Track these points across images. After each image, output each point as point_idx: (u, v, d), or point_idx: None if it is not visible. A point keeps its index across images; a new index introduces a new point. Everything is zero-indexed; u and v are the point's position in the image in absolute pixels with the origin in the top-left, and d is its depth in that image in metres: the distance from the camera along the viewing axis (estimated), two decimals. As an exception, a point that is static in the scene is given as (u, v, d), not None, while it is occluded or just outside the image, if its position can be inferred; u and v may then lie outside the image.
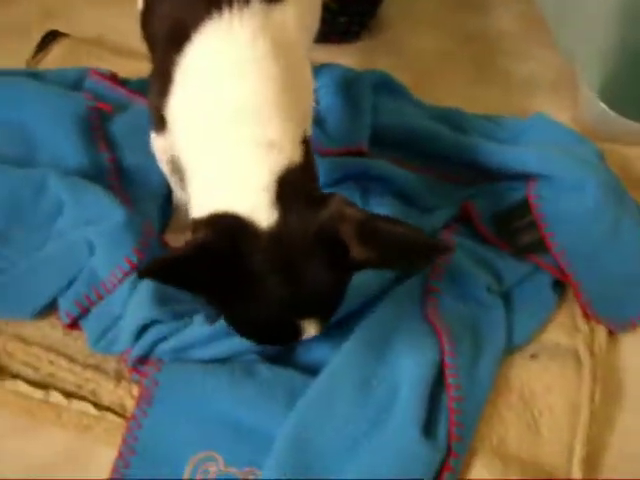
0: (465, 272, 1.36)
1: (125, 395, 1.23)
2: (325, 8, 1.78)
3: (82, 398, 1.23)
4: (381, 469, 1.11)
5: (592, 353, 1.31)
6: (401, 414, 1.14)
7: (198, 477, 1.14)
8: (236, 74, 1.05)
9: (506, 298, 1.37)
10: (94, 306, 1.29)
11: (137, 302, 1.24)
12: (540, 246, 1.41)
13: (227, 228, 0.98)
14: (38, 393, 1.23)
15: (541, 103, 1.74)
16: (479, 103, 1.74)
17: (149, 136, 1.28)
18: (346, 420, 1.15)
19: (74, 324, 1.30)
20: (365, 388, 1.18)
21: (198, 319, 1.23)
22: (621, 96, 1.65)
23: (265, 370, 1.20)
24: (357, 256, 0.97)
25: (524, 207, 1.46)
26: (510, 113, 1.70)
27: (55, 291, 1.31)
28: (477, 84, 1.82)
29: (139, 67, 1.63)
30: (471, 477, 1.15)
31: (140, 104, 1.52)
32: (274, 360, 1.23)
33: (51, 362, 1.26)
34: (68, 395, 1.23)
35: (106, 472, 1.16)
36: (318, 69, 1.64)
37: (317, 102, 1.58)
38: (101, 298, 1.29)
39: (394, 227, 0.97)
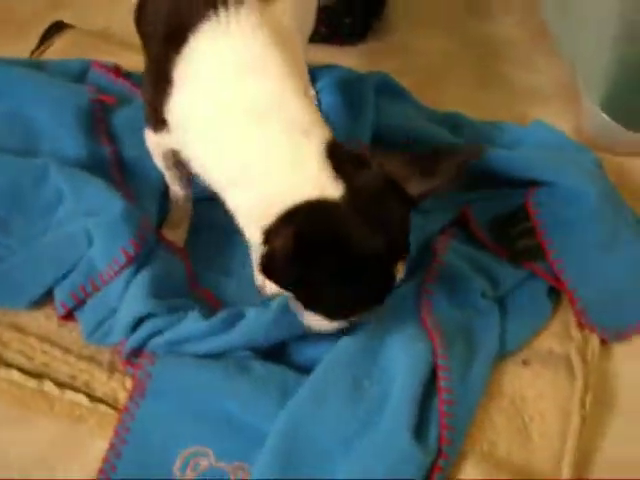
0: (460, 276, 1.36)
1: (118, 387, 1.23)
2: (330, 9, 1.80)
3: (75, 389, 1.23)
4: (372, 469, 1.11)
5: (584, 360, 1.31)
6: (392, 415, 1.15)
7: (188, 470, 1.14)
8: (247, 72, 1.06)
9: (501, 304, 1.37)
10: (90, 297, 1.29)
11: (133, 295, 1.25)
12: (537, 253, 1.42)
13: (312, 214, 1.05)
14: (32, 382, 1.24)
15: (543, 112, 1.74)
16: (481, 108, 1.74)
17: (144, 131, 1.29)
18: (337, 419, 1.15)
19: (69, 315, 1.30)
20: (357, 388, 1.18)
21: (193, 314, 1.23)
22: (622, 107, 1.65)
23: (259, 366, 1.20)
24: (414, 192, 1.08)
25: (523, 213, 1.46)
26: (511, 120, 1.71)
27: (51, 281, 1.31)
28: (480, 90, 1.83)
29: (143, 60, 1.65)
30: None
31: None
32: (268, 357, 1.23)
33: (45, 352, 1.27)
34: (61, 386, 1.23)
35: (98, 463, 1.16)
36: (320, 70, 1.65)
37: (319, 102, 1.58)
38: (97, 289, 1.29)
39: (427, 156, 1.13)
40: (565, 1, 1.74)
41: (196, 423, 1.17)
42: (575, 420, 1.24)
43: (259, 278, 1.33)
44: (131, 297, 1.25)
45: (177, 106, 1.12)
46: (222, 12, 1.06)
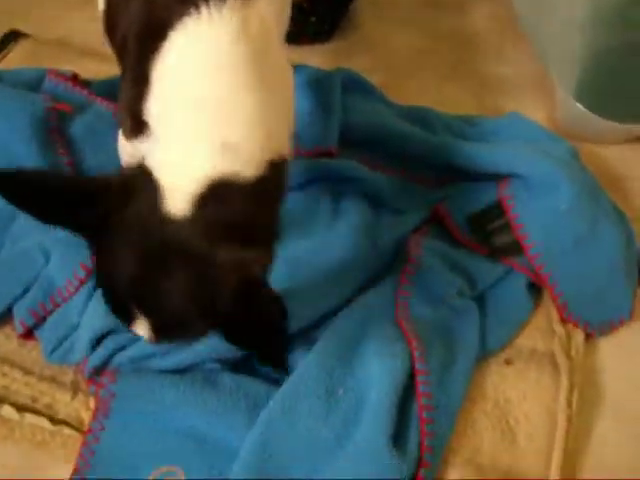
0: (436, 276, 1.32)
1: (82, 408, 1.18)
2: (296, 8, 1.75)
3: (37, 412, 1.18)
4: (348, 483, 1.06)
5: (569, 357, 1.27)
6: (369, 424, 1.09)
7: (158, 492, 1.09)
8: (210, 72, 0.99)
9: (479, 302, 1.33)
10: (50, 315, 1.24)
11: (94, 310, 1.19)
12: (515, 248, 1.37)
13: (138, 181, 0.92)
14: (-11, 407, 1.18)
15: (516, 103, 1.71)
16: (453, 103, 1.71)
17: (116, 140, 1.22)
18: (311, 432, 1.09)
19: (29, 334, 1.25)
20: (331, 398, 1.12)
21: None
22: (595, 95, 1.61)
23: (227, 379, 1.15)
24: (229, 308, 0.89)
25: (499, 208, 1.42)
26: (484, 113, 1.67)
27: (9, 299, 1.26)
28: (451, 84, 1.79)
29: (103, 69, 1.60)
30: (445, 487, 1.11)
31: (101, 105, 1.49)
32: (237, 369, 1.18)
33: (4, 374, 1.21)
34: (22, 409, 1.18)
35: (62, 489, 1.10)
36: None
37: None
38: (57, 306, 1.24)
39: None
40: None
41: (164, 442, 1.11)
42: (562, 420, 1.19)
43: None
44: (92, 313, 1.20)
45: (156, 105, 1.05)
46: (203, 8, 1.01)
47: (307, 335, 1.22)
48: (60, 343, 1.21)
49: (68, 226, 0.92)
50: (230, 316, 0.90)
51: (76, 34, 1.84)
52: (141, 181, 0.92)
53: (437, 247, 1.37)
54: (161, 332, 0.93)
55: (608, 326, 1.32)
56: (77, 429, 1.16)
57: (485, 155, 1.45)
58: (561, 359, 1.26)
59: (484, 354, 1.26)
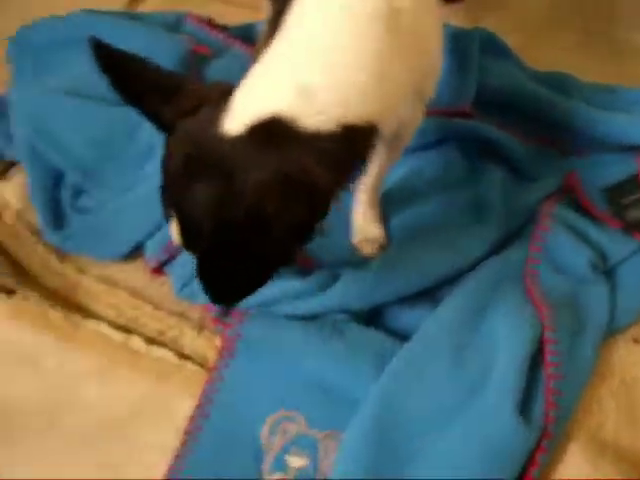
0: (567, 245, 1.28)
1: (207, 345, 1.20)
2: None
3: (163, 345, 1.21)
4: (471, 446, 1.04)
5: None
6: (496, 389, 1.08)
7: (277, 436, 1.10)
8: (333, 17, 0.97)
9: (610, 276, 1.28)
10: (180, 252, 1.25)
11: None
12: (650, 224, 1.32)
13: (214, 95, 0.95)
14: (119, 336, 1.22)
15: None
16: (589, 70, 1.63)
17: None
18: (437, 390, 1.09)
19: (159, 269, 1.27)
20: (458, 358, 1.11)
21: (286, 272, 1.18)
22: None
23: (355, 330, 1.15)
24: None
25: (634, 182, 1.37)
26: (621, 82, 1.60)
27: (142, 235, 1.29)
28: (588, 50, 1.71)
29: (238, 14, 1.61)
30: (565, 461, 1.08)
31: (238, 49, 1.49)
32: (362, 321, 1.18)
33: (135, 307, 1.24)
34: (149, 341, 1.21)
35: (182, 421, 1.13)
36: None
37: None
38: (189, 244, 1.25)
39: None
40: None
41: (287, 386, 1.13)
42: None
43: (357, 236, 1.27)
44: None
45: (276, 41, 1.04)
46: None
47: (432, 294, 1.21)
48: (190, 280, 1.22)
49: (146, 114, 0.97)
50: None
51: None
52: (217, 96, 0.95)
53: (568, 217, 1.32)
54: (184, 236, 0.95)
55: None
56: (201, 365, 1.18)
57: (624, 125, 1.40)
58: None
59: (612, 331, 1.22)
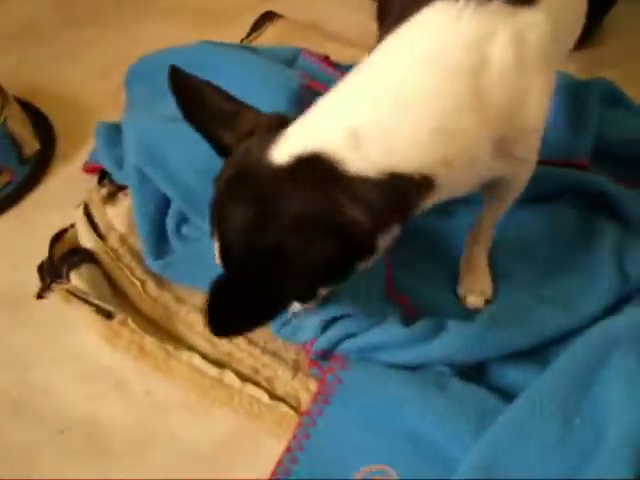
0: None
1: (301, 388, 1.17)
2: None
3: (257, 384, 1.18)
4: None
5: None
6: (607, 463, 0.99)
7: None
8: (421, 57, 0.95)
9: None
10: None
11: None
12: None
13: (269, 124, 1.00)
14: (212, 370, 1.20)
15: None
16: None
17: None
18: (542, 458, 1.01)
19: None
20: (566, 424, 1.03)
21: (392, 319, 1.14)
22: None
23: (457, 385, 1.10)
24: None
25: None
26: None
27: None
28: None
29: (352, 54, 1.60)
30: None
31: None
32: (464, 376, 1.13)
33: (231, 341, 1.22)
34: (243, 378, 1.19)
35: (268, 463, 1.10)
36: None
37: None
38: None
39: None
40: None
41: (382, 439, 1.08)
42: None
43: (462, 287, 1.23)
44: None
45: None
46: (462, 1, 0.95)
47: (541, 354, 1.15)
48: (289, 320, 1.20)
49: (207, 138, 1.02)
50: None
51: (324, 18, 1.88)
52: (272, 123, 0.99)
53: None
54: (222, 255, 0.98)
55: None
56: (294, 408, 1.15)
57: None
58: None
59: None
